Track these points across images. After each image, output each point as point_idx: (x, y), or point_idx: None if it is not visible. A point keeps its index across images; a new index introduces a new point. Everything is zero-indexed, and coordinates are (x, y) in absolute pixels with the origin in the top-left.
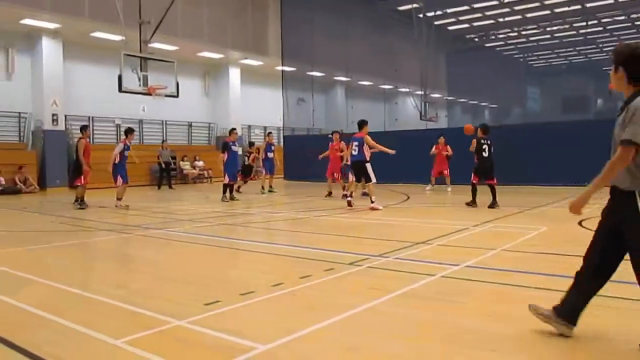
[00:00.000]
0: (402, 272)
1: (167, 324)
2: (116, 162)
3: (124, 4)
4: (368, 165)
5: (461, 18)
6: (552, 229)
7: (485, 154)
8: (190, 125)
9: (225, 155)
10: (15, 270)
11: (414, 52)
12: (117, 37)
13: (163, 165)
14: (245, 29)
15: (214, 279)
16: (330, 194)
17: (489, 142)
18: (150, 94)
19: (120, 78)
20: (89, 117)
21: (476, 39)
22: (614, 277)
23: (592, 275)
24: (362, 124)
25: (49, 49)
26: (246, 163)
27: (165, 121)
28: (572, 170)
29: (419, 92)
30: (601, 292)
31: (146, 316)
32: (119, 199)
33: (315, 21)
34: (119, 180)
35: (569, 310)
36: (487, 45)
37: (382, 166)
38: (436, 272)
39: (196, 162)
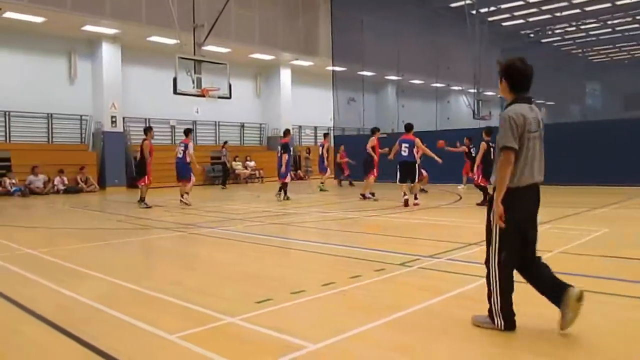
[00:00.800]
0: (454, 274)
1: (219, 321)
2: (188, 161)
3: (178, 9)
4: (417, 167)
5: (516, 13)
6: (613, 231)
7: (491, 157)
8: (242, 125)
9: (287, 156)
10: (78, 266)
11: (466, 50)
12: (172, 41)
13: (227, 165)
14: (296, 30)
15: (265, 278)
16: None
17: (492, 144)
18: (203, 96)
19: (175, 80)
20: (145, 119)
21: (532, 35)
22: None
23: None
24: (411, 127)
25: (109, 53)
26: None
27: (218, 122)
28: (635, 169)
29: (472, 90)
30: None
31: (199, 312)
32: (187, 194)
33: (366, 21)
34: (192, 178)
35: None
36: (543, 40)
37: (434, 166)
38: None
39: (248, 162)
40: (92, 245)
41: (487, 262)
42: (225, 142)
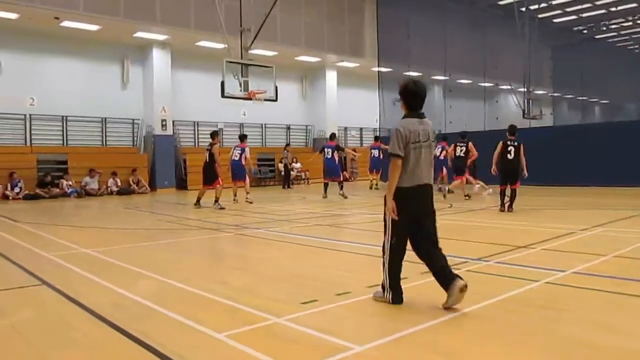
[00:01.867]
0: (503, 277)
1: (266, 321)
2: (243, 163)
3: (226, 14)
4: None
5: (568, 9)
6: None
7: (511, 156)
8: (288, 127)
9: (339, 155)
10: (130, 265)
11: (515, 48)
12: (220, 45)
13: (288, 167)
14: (342, 32)
15: (310, 278)
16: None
17: (516, 143)
18: (250, 99)
19: (222, 84)
20: (194, 122)
21: (585, 31)
22: None
23: None
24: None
25: (159, 59)
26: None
27: (265, 124)
28: None
29: (522, 89)
30: None
31: (246, 312)
32: (248, 193)
33: (412, 21)
34: (248, 179)
35: None
36: (597, 37)
37: (484, 167)
38: (540, 277)
39: (294, 164)
40: (144, 245)
41: (383, 247)
42: (287, 145)
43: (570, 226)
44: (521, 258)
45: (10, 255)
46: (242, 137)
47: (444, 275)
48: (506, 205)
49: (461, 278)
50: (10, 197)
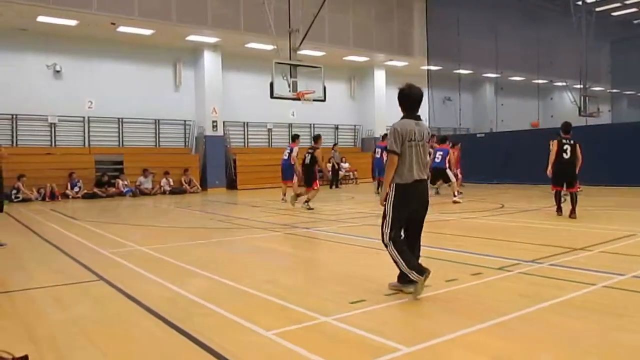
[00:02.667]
0: (557, 280)
1: (314, 320)
2: (292, 162)
3: (275, 16)
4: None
5: (627, 2)
6: None
7: (567, 156)
8: (336, 127)
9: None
10: (182, 263)
11: (571, 43)
12: (269, 47)
13: (336, 167)
14: (390, 31)
15: (358, 278)
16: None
17: (571, 142)
18: (299, 99)
19: (272, 85)
20: (243, 123)
21: None
22: None
23: None
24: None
25: (210, 61)
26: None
27: (313, 124)
28: None
29: (578, 86)
30: None
31: (294, 311)
32: (298, 194)
33: (462, 18)
34: (295, 180)
35: None
36: None
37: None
38: (597, 281)
39: (342, 164)
40: (195, 243)
41: (382, 240)
42: (335, 144)
43: (630, 228)
44: (577, 260)
45: (70, 252)
46: (294, 137)
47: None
48: (569, 210)
49: (428, 271)
50: (70, 196)
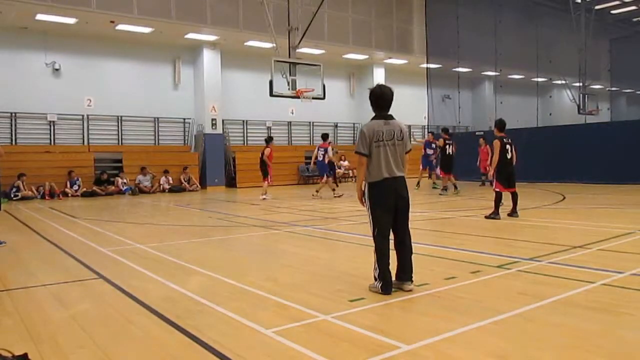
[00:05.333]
0: (556, 278)
1: (313, 318)
2: (326, 161)
3: (274, 13)
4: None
5: (627, 0)
6: None
7: (509, 155)
8: (335, 125)
9: None
10: (182, 261)
11: (571, 41)
12: (268, 45)
13: (335, 164)
14: (390, 29)
15: (358, 276)
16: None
17: (509, 140)
18: (298, 97)
19: (271, 83)
20: (243, 121)
21: None
22: None
23: None
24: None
25: (209, 59)
26: None
27: (312, 122)
28: None
29: (577, 84)
30: None
31: (294, 309)
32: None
33: (461, 15)
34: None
35: None
36: None
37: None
38: (596, 279)
39: (342, 162)
40: (194, 242)
41: (373, 237)
42: (330, 142)
43: (629, 226)
44: (576, 258)
45: (70, 250)
46: (325, 137)
47: (404, 271)
48: (510, 210)
49: (412, 281)
50: (69, 195)
